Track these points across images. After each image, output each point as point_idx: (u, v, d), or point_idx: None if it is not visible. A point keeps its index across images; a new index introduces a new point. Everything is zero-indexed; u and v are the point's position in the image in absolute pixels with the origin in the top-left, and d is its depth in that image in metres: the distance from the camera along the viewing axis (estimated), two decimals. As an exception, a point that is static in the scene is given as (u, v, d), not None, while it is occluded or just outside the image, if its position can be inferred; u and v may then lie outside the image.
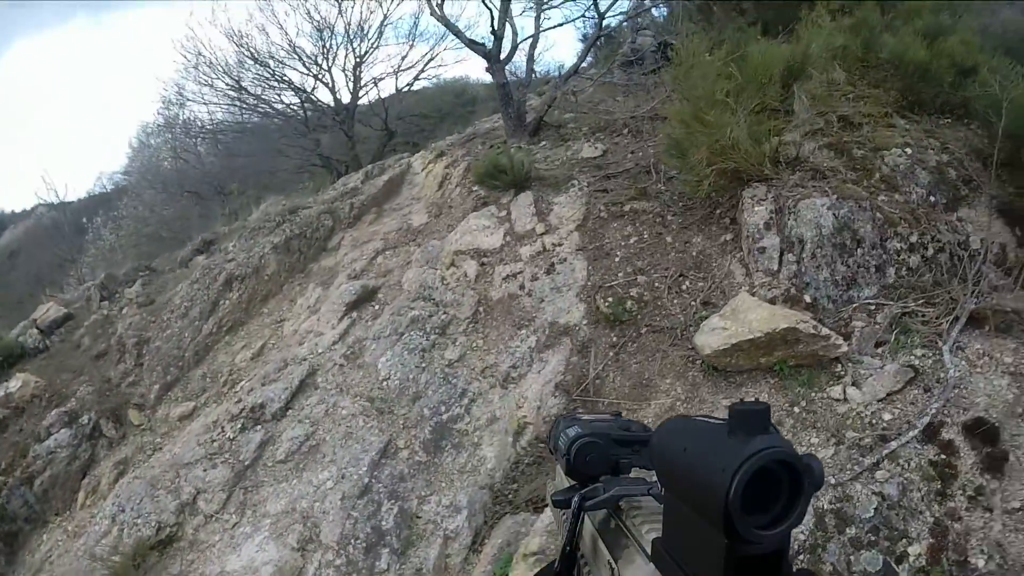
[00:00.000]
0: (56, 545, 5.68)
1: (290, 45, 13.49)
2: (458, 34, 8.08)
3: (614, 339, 4.97)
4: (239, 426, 5.45)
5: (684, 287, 5.07)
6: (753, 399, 3.57)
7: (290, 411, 5.52)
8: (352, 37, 13.80)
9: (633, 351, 4.87)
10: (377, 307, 6.27)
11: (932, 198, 5.07)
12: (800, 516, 0.59)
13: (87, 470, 6.34)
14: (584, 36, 11.31)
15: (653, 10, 9.23)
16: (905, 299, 4.58)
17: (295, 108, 13.96)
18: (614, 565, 0.80)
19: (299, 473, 5.02)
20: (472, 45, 8.05)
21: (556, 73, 9.75)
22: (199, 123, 15.46)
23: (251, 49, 13.36)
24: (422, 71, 14.59)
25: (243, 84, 13.66)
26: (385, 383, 5.45)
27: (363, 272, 7.15)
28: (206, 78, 13.53)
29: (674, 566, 0.65)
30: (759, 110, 5.76)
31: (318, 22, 13.45)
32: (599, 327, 5.07)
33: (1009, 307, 4.66)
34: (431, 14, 8.08)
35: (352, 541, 4.49)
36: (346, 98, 14.09)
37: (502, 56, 8.07)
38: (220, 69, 13.43)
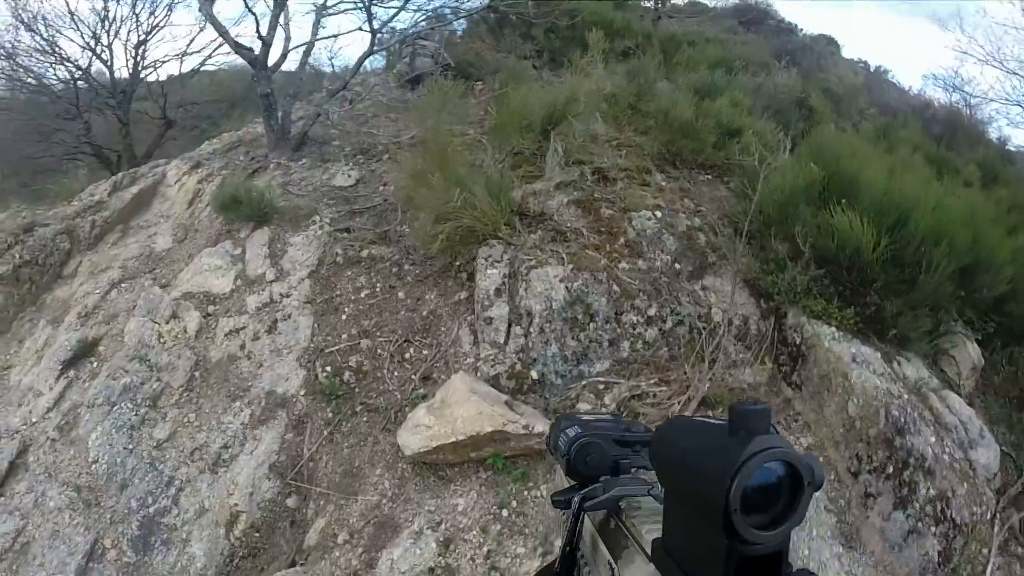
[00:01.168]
0: None
1: (68, 10, 12.00)
2: (224, 35, 7.16)
3: (330, 415, 4.49)
4: None
5: (408, 355, 4.66)
6: (460, 498, 3.53)
7: (1, 499, 4.72)
8: (138, 11, 12.49)
9: (347, 432, 4.41)
10: (96, 364, 5.49)
11: (677, 265, 4.92)
12: (800, 516, 0.59)
13: None
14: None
15: (443, 26, 8.67)
16: (638, 376, 4.33)
17: (67, 85, 12.33)
18: (614, 565, 0.79)
19: (15, 574, 4.34)
20: (238, 49, 7.17)
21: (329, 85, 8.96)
22: None
23: (25, 11, 11.73)
24: (210, 56, 13.23)
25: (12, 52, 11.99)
26: (94, 467, 4.71)
27: (93, 311, 6.26)
28: None
29: (674, 566, 0.64)
30: (513, 157, 5.38)
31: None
32: (316, 399, 4.56)
33: (746, 383, 4.52)
34: (199, 9, 7.07)
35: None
36: (125, 80, 12.63)
37: (269, 63, 7.24)
38: None
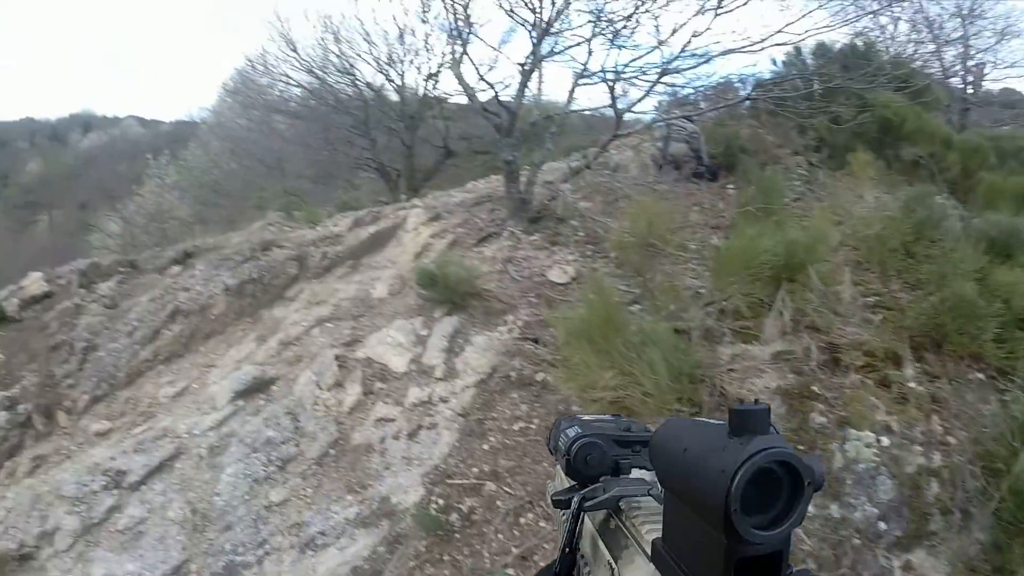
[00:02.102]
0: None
1: (365, 35, 12.92)
2: (471, 97, 7.23)
3: (422, 549, 4.17)
4: (102, 483, 5.20)
5: (522, 521, 4.17)
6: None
7: (143, 487, 5.17)
8: (429, 47, 13.07)
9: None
10: (263, 403, 5.67)
11: (882, 525, 3.95)
12: (800, 517, 0.59)
13: (13, 454, 6.38)
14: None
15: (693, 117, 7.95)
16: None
17: (360, 103, 13.33)
18: (614, 565, 0.79)
19: (123, 552, 4.73)
20: (485, 113, 7.18)
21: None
22: (277, 91, 15.14)
23: (333, 30, 12.89)
24: (497, 96, 13.54)
25: (315, 69, 13.27)
26: (215, 499, 4.91)
27: (292, 342, 6.54)
28: (285, 54, 13.32)
29: (674, 567, 0.65)
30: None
31: (400, 23, 12.98)
32: (419, 527, 4.28)
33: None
34: (450, 68, 7.23)
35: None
36: (413, 105, 13.39)
37: (514, 132, 7.16)
38: (299, 47, 13.20)
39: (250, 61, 15.29)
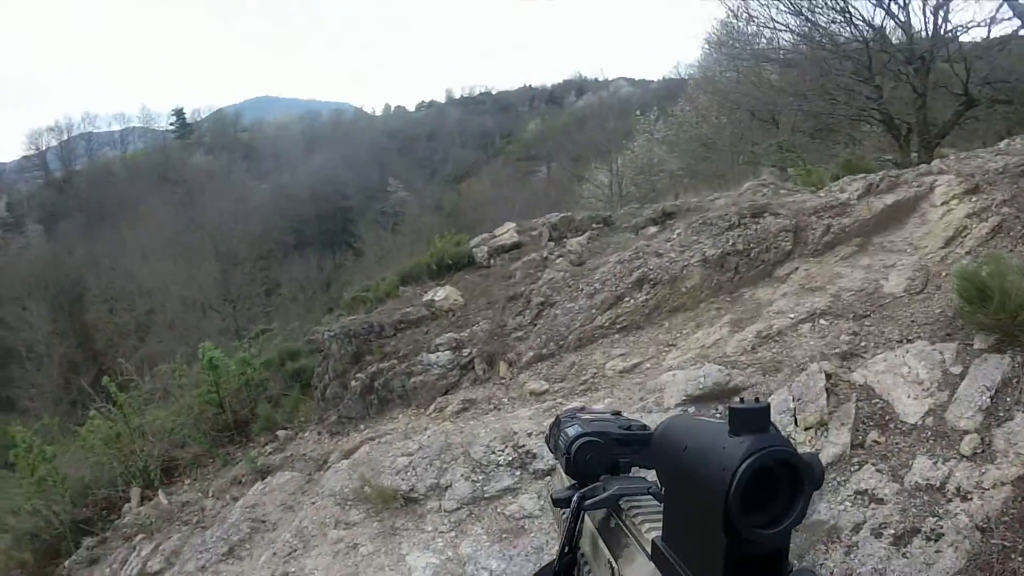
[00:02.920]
0: (382, 439, 6.07)
1: None
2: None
3: None
4: (508, 458, 4.92)
5: None
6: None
7: (548, 478, 4.64)
8: None
9: None
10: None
11: None
12: (800, 516, 0.59)
13: (447, 391, 6.67)
14: None
15: None
16: None
17: (859, 44, 11.58)
18: (614, 564, 0.79)
19: (497, 542, 4.40)
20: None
21: None
22: (764, 38, 14.07)
23: None
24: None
25: (804, 10, 11.97)
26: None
27: (770, 338, 5.48)
28: None
29: (674, 565, 0.65)
30: None
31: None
32: None
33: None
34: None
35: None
36: (923, 44, 11.12)
37: None
38: None
39: (731, 11, 14.32)
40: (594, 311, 6.75)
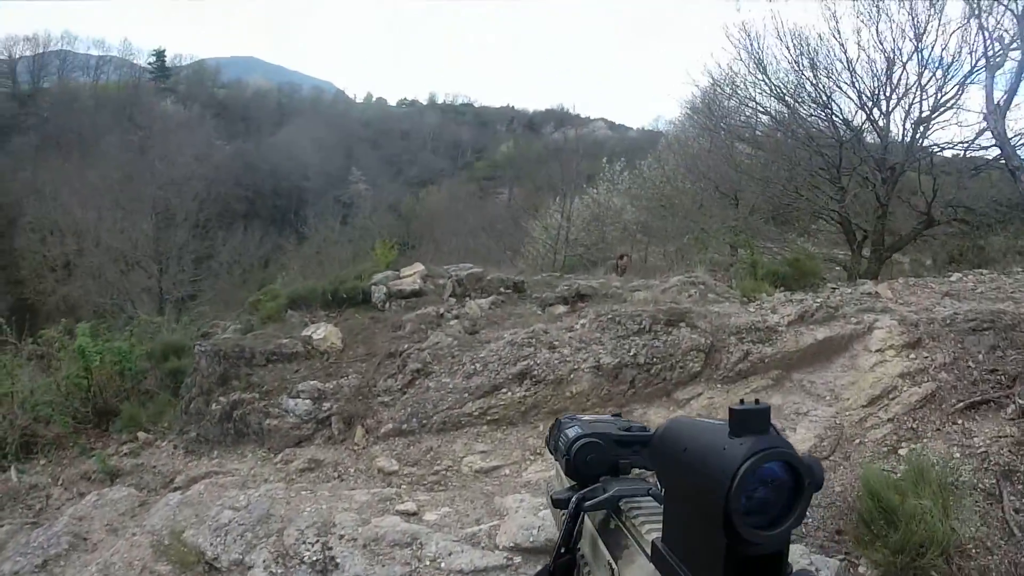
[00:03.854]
0: (224, 477, 5.78)
1: (847, 66, 10.90)
2: (1007, 158, 4.31)
3: None
4: (313, 558, 4.18)
5: None
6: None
7: None
8: (925, 83, 10.61)
9: None
10: None
11: None
12: (800, 517, 0.59)
13: (300, 443, 6.19)
14: None
15: None
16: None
17: (833, 142, 11.11)
18: (614, 566, 0.78)
19: None
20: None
21: None
22: (743, 116, 13.69)
23: (810, 55, 11.08)
24: (996, 160, 10.25)
25: (787, 96, 11.57)
26: None
27: None
28: (755, 76, 11.84)
29: (674, 567, 0.64)
30: None
31: (888, 52, 10.45)
32: None
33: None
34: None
35: None
36: (897, 155, 10.82)
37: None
38: (769, 69, 11.63)
39: (714, 80, 13.96)
40: (467, 396, 6.02)
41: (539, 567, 0.88)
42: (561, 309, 7.16)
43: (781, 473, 0.57)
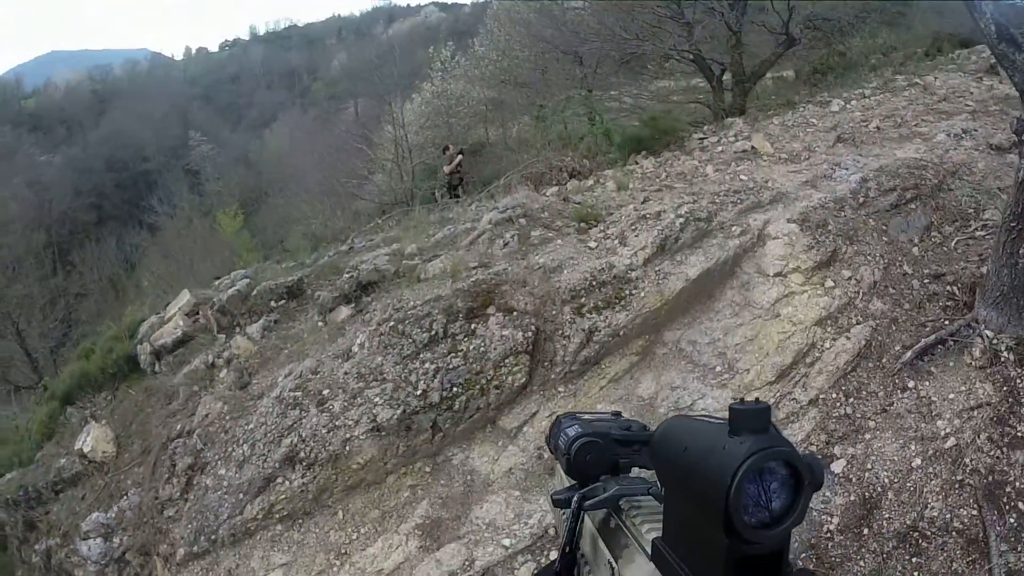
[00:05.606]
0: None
1: None
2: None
3: None
4: None
5: None
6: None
7: None
8: None
9: None
10: None
11: None
12: (800, 516, 0.58)
13: None
14: None
15: None
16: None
17: None
18: (614, 564, 0.78)
19: None
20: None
21: None
22: None
23: None
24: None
25: None
26: None
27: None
28: None
29: (674, 566, 0.64)
30: None
31: None
32: None
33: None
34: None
35: None
36: None
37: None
38: None
39: None
40: (243, 496, 4.63)
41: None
42: (344, 313, 5.62)
43: (781, 472, 0.56)
